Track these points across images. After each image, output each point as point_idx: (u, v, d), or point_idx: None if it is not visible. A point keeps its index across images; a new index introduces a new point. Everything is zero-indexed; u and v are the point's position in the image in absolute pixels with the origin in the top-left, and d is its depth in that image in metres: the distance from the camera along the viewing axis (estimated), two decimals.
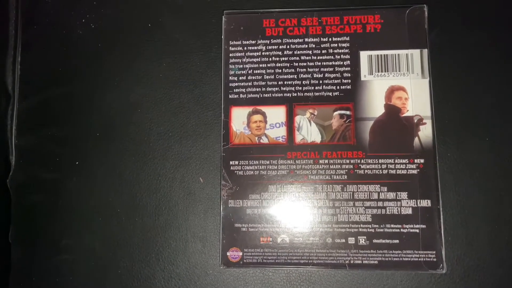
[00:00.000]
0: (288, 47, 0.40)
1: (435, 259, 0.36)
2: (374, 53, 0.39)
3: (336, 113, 0.38)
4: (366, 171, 0.37)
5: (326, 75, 0.39)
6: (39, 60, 0.44)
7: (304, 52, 0.39)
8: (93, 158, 0.41)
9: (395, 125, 0.38)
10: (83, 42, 0.43)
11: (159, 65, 0.42)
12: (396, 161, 0.37)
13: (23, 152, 0.43)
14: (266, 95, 0.39)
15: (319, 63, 0.39)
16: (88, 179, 0.41)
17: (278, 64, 0.39)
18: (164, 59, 0.42)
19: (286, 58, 0.39)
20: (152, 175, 0.41)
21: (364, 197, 0.37)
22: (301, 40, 0.40)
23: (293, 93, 0.39)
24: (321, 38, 0.39)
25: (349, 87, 0.39)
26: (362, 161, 0.37)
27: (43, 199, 0.41)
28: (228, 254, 0.37)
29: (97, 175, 0.41)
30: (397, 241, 0.36)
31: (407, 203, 0.36)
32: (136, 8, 0.43)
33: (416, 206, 0.36)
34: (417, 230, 0.36)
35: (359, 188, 0.37)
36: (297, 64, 0.39)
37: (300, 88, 0.39)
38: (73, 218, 0.41)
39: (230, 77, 0.40)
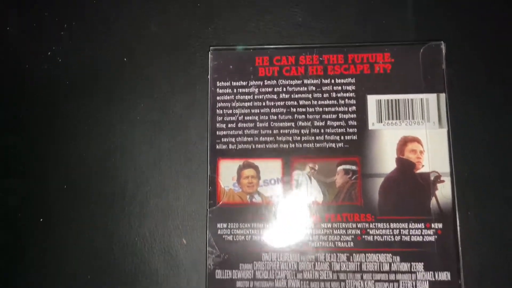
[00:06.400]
0: (284, 89, 0.35)
1: None
2: (384, 97, 0.34)
3: (340, 168, 0.33)
4: (375, 237, 0.32)
5: (329, 123, 0.34)
6: None
7: (303, 95, 0.34)
8: (60, 214, 0.36)
9: (409, 183, 0.33)
10: (49, 78, 0.38)
11: (135, 106, 0.37)
12: (410, 226, 0.32)
13: None
14: (259, 146, 0.34)
15: (320, 109, 0.34)
16: (53, 239, 0.36)
17: (273, 110, 0.34)
18: (142, 100, 0.37)
19: (282, 103, 0.34)
20: (128, 236, 0.35)
21: (374, 268, 0.32)
22: (299, 82, 0.35)
23: (290, 144, 0.34)
24: (323, 80, 0.34)
25: (355, 137, 0.33)
26: (371, 226, 0.32)
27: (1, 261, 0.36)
28: None
29: (64, 236, 0.36)
30: None
31: (423, 276, 0.32)
32: (110, 40, 0.38)
33: (433, 279, 0.31)
34: None
35: (368, 257, 0.32)
36: (294, 109, 0.34)
37: (299, 138, 0.34)
38: None
39: (217, 124, 0.34)
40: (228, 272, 0.33)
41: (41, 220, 0.36)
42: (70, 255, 0.35)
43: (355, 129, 0.34)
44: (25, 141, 0.37)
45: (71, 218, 0.36)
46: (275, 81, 0.35)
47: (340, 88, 0.34)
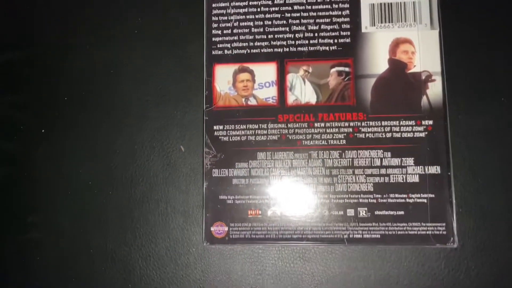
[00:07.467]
0: None
1: (445, 232, 0.32)
2: (377, 0, 0.34)
3: (333, 70, 0.34)
4: (367, 134, 0.33)
5: (322, 27, 0.34)
6: None
7: (297, 1, 0.35)
8: (61, 125, 0.37)
9: (401, 82, 0.33)
10: None
11: (133, 20, 0.37)
12: (401, 123, 0.33)
13: None
14: (254, 50, 0.35)
15: (314, 13, 0.34)
16: (55, 148, 0.37)
17: (267, 15, 0.35)
18: (139, 13, 0.37)
19: (276, 8, 0.35)
20: (128, 144, 0.36)
21: (365, 163, 0.33)
22: None
23: (284, 48, 0.34)
24: None
25: (348, 40, 0.34)
26: (362, 124, 0.33)
27: (5, 172, 0.37)
28: (212, 229, 0.33)
29: (66, 144, 0.37)
30: (402, 212, 0.32)
31: (414, 170, 0.32)
32: None
33: (423, 173, 0.32)
34: (425, 200, 0.32)
35: (360, 154, 0.33)
36: (289, 14, 0.35)
37: (293, 42, 0.34)
38: (39, 192, 0.36)
39: (213, 31, 0.35)
40: (225, 171, 0.34)
41: (43, 131, 0.37)
42: (71, 163, 0.36)
43: (349, 32, 0.34)
44: (25, 58, 0.38)
45: (71, 129, 0.37)
46: None
47: None
